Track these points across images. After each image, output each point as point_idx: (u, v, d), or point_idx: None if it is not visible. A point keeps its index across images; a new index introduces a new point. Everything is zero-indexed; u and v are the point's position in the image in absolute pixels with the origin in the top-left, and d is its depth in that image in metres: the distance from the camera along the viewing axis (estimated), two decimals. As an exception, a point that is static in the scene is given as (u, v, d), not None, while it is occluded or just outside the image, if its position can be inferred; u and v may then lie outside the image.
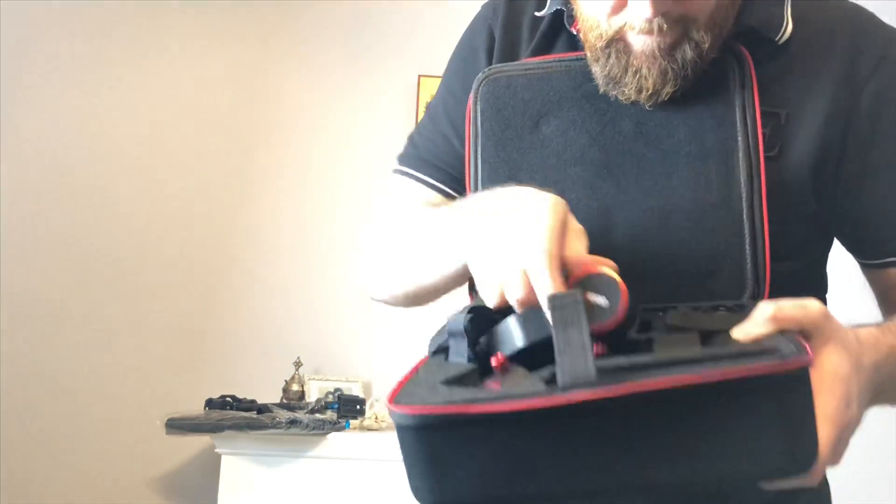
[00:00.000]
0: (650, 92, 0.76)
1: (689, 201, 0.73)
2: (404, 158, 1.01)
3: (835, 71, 0.80)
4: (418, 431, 0.54)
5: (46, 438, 2.49)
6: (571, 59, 0.82)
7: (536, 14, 0.91)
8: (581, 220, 0.72)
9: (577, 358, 0.53)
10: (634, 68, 0.76)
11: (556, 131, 0.79)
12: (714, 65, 0.76)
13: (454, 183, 0.95)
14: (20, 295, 2.47)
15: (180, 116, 2.90)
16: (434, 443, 0.54)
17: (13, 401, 2.42)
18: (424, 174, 0.97)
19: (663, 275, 0.72)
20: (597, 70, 0.79)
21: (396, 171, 1.01)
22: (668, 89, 0.76)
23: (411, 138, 1.02)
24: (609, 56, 0.77)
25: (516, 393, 0.53)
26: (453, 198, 0.93)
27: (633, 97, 0.78)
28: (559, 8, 0.88)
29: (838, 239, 0.86)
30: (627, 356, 0.56)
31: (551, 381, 0.55)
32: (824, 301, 0.88)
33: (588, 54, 0.80)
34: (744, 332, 0.57)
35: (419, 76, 2.88)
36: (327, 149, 3.00)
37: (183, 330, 2.83)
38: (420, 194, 0.97)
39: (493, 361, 0.59)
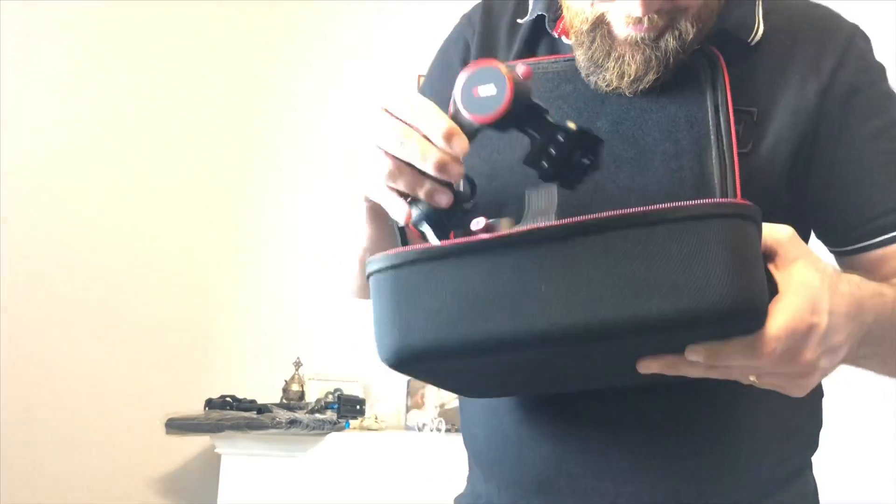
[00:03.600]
0: (632, 78, 0.78)
1: (664, 199, 0.74)
2: None
3: (802, 68, 0.83)
4: (393, 270, 0.60)
5: (46, 438, 2.49)
6: (550, 62, 0.84)
7: (518, 21, 0.93)
8: (558, 218, 0.75)
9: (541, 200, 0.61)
10: (617, 53, 0.78)
11: None
12: (687, 66, 0.78)
13: None
14: (20, 295, 2.47)
15: (181, 116, 2.90)
16: (400, 280, 0.60)
17: (13, 401, 2.42)
18: None
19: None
20: (580, 56, 0.81)
21: None
22: (650, 77, 0.78)
23: None
24: (594, 40, 0.79)
25: (471, 237, 0.59)
26: None
27: (614, 83, 0.79)
28: (541, 13, 0.89)
29: (812, 229, 0.88)
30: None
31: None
32: None
33: (573, 39, 0.82)
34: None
35: (419, 76, 2.89)
36: (328, 148, 3.00)
37: (183, 330, 2.83)
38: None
39: (474, 226, 0.63)
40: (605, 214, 0.57)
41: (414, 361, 0.61)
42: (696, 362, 0.61)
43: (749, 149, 0.80)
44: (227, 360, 2.88)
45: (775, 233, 0.62)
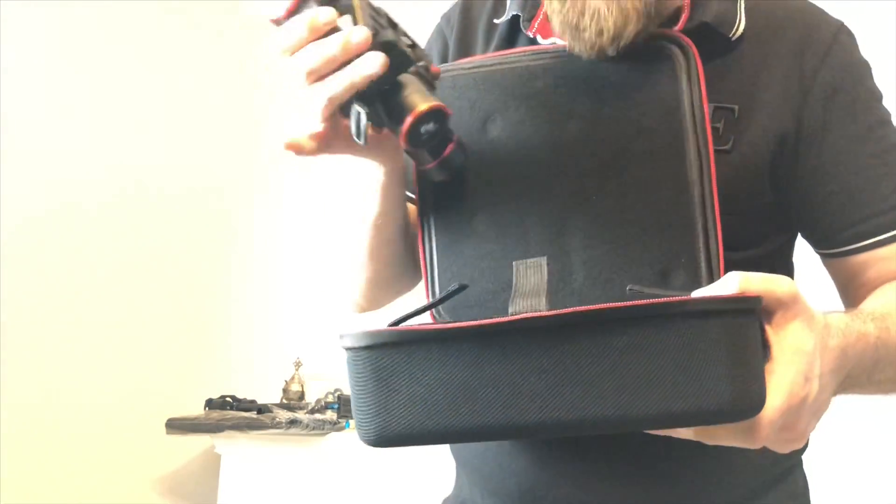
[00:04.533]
0: (611, 34, 0.74)
1: (642, 201, 0.73)
2: None
3: (785, 64, 0.82)
4: (368, 351, 0.58)
5: (46, 438, 2.49)
6: (518, 55, 0.80)
7: (495, 21, 0.91)
8: (536, 223, 0.74)
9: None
10: (592, 9, 0.74)
11: (504, 132, 0.78)
12: (660, 57, 0.75)
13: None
14: (20, 295, 2.47)
15: (182, 116, 2.90)
16: (381, 362, 0.58)
17: (13, 401, 2.42)
18: None
19: (620, 274, 0.73)
20: (556, 22, 0.78)
21: None
22: (631, 29, 0.74)
23: None
24: (565, 1, 0.75)
25: (464, 320, 0.57)
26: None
27: (594, 42, 0.75)
28: (515, 13, 0.88)
29: (798, 229, 0.87)
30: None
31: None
32: None
33: (546, 4, 0.79)
34: (703, 293, 0.59)
35: (419, 76, 2.89)
36: (327, 149, 3.00)
37: (183, 330, 2.84)
38: None
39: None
40: (603, 307, 0.55)
41: (396, 444, 0.60)
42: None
43: (730, 146, 0.78)
44: (227, 360, 2.88)
45: (777, 290, 0.59)
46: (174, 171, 2.86)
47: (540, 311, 0.57)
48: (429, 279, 0.79)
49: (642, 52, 0.76)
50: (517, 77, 0.79)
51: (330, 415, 2.47)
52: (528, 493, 0.82)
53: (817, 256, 0.88)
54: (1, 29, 2.47)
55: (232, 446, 2.44)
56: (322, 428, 2.37)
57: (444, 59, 0.94)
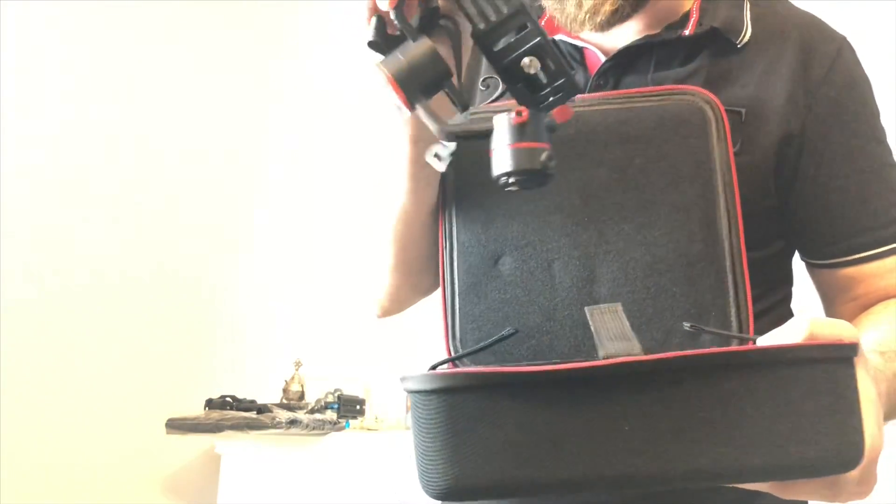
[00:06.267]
0: (589, 7, 0.80)
1: (673, 252, 0.73)
2: None
3: (790, 70, 0.83)
4: (439, 396, 0.52)
5: (46, 438, 2.49)
6: None
7: None
8: (563, 269, 0.73)
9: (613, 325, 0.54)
10: None
11: None
12: (690, 111, 0.77)
13: None
14: (20, 295, 2.47)
15: (181, 116, 2.90)
16: (455, 408, 0.51)
17: (13, 401, 2.42)
18: None
19: (650, 325, 0.72)
20: (548, 2, 0.83)
21: None
22: (609, 7, 0.80)
23: None
24: None
25: (550, 362, 0.53)
26: None
27: (574, 14, 0.80)
28: None
29: (791, 237, 0.88)
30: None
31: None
32: (789, 294, 0.91)
33: None
34: (771, 340, 0.56)
35: (419, 76, 2.88)
36: (328, 148, 3.00)
37: (183, 330, 2.83)
38: None
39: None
40: (706, 351, 0.52)
41: (468, 497, 0.53)
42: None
43: (738, 148, 0.79)
44: (227, 360, 2.88)
45: (844, 335, 0.56)
46: (174, 171, 2.86)
47: (635, 354, 0.52)
48: (449, 321, 0.78)
49: (672, 105, 0.76)
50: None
51: (330, 415, 2.47)
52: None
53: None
54: (2, 29, 2.47)
55: (232, 446, 2.44)
56: (322, 428, 2.37)
57: None
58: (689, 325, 0.66)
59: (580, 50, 0.88)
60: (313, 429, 2.35)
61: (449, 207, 0.80)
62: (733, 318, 0.72)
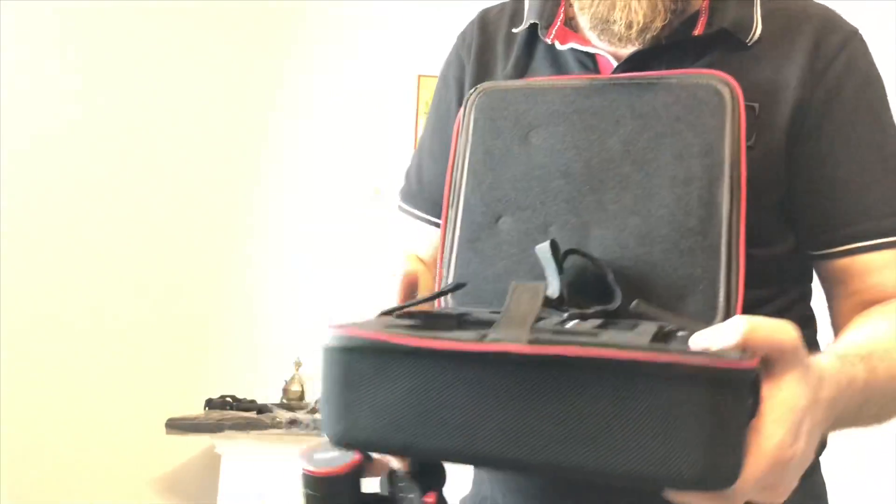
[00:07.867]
0: (640, 26, 0.79)
1: (668, 224, 0.73)
2: (401, 194, 1.05)
3: (799, 64, 0.83)
4: (340, 352, 0.57)
5: (46, 438, 2.49)
6: (572, 78, 0.84)
7: (513, 31, 0.94)
8: (558, 233, 0.74)
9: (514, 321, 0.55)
10: (623, 3, 0.80)
11: (544, 144, 0.79)
12: (708, 92, 0.76)
13: None
14: (20, 295, 2.47)
15: (181, 116, 2.90)
16: (351, 366, 0.56)
17: (13, 401, 2.42)
18: (420, 210, 1.00)
19: (635, 294, 0.71)
20: (585, 19, 0.83)
21: (399, 206, 1.04)
22: (658, 23, 0.80)
23: (407, 173, 1.05)
24: None
25: (441, 335, 0.55)
26: None
27: (622, 34, 0.81)
28: (533, 22, 0.90)
29: (795, 230, 0.87)
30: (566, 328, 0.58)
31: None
32: (808, 291, 0.90)
33: (576, 5, 0.85)
34: (704, 338, 0.54)
35: (419, 76, 2.88)
36: (328, 149, 3.01)
37: (183, 330, 2.84)
38: (419, 234, 1.00)
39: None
40: (582, 351, 0.51)
41: (358, 448, 0.61)
42: None
43: (753, 142, 0.79)
44: (227, 360, 2.88)
45: (782, 339, 0.55)
46: (175, 171, 2.86)
47: (520, 342, 0.52)
48: (445, 269, 0.80)
49: (691, 85, 0.77)
50: (567, 94, 0.81)
51: (330, 415, 2.47)
52: (550, 489, 0.82)
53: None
54: (2, 29, 2.47)
55: (232, 446, 2.44)
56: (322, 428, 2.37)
57: (461, 83, 0.96)
58: (636, 301, 0.65)
59: (592, 57, 0.88)
60: (313, 429, 2.35)
61: (461, 169, 0.82)
62: (721, 296, 0.71)
